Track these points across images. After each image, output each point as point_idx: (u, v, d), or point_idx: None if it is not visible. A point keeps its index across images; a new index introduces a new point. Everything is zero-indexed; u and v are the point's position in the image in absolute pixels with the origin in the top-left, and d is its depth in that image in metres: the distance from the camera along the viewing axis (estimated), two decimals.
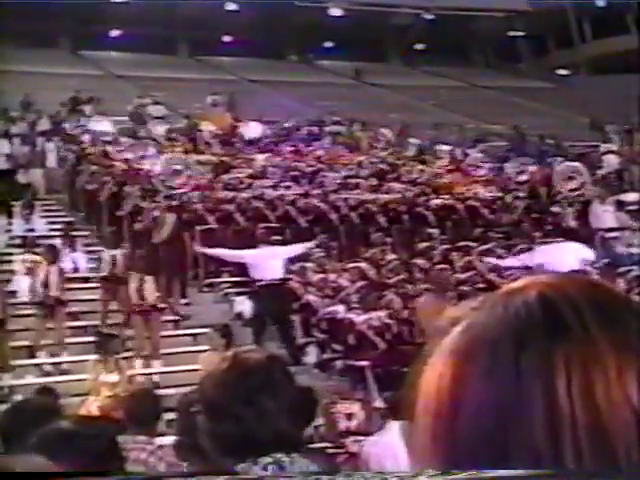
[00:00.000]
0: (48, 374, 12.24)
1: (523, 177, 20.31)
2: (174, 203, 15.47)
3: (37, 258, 13.31)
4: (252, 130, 22.54)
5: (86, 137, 19.98)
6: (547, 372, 0.70)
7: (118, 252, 14.17)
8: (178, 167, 17.87)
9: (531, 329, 0.72)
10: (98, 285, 13.71)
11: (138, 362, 12.44)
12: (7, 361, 11.98)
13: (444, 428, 0.73)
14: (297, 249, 13.85)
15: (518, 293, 0.76)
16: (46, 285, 12.60)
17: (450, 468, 0.72)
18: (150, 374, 12.31)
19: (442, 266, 14.72)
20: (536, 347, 0.71)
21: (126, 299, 12.94)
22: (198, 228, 15.17)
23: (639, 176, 20.50)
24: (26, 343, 12.69)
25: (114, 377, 10.57)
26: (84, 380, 10.70)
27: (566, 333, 0.72)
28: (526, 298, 0.75)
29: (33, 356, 12.63)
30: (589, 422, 0.69)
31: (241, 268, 13.93)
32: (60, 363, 12.56)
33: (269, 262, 13.13)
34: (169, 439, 4.46)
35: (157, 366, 12.52)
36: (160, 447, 4.76)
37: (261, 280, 13.05)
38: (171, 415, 5.01)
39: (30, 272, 13.18)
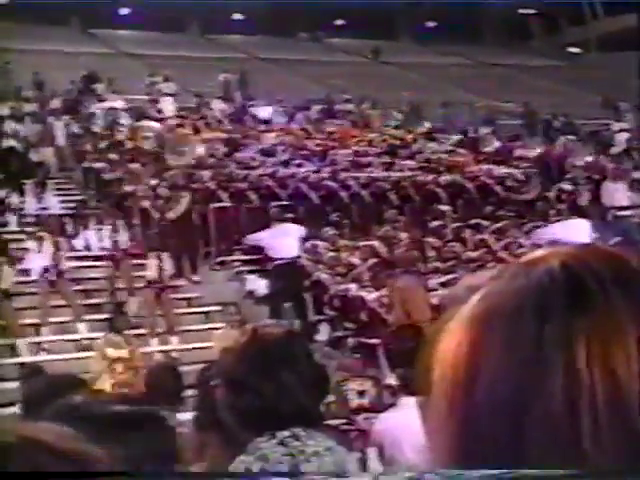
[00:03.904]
0: (60, 351, 12.31)
1: (535, 155, 20.23)
2: (182, 183, 15.48)
3: (44, 234, 13.36)
4: (262, 108, 22.50)
5: (97, 115, 19.98)
6: (568, 342, 0.70)
7: (128, 229, 14.23)
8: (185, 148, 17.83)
9: (554, 298, 0.72)
10: (109, 263, 13.76)
11: (153, 340, 12.51)
12: (13, 334, 12.08)
13: (461, 395, 0.73)
14: (302, 231, 13.89)
15: (540, 262, 0.75)
16: (53, 256, 12.76)
17: (466, 436, 0.72)
18: (166, 351, 12.37)
19: (453, 243, 14.75)
20: (558, 316, 0.71)
21: (133, 276, 13.03)
22: (211, 205, 15.20)
23: None
24: (38, 320, 12.77)
25: (124, 353, 10.62)
26: (94, 357, 10.76)
27: (589, 303, 0.71)
28: (549, 267, 0.74)
29: (44, 334, 12.69)
30: (608, 393, 0.68)
31: (253, 246, 13.98)
32: (72, 340, 12.62)
33: (284, 240, 13.19)
34: (189, 414, 4.48)
35: (175, 343, 12.59)
36: (180, 423, 4.77)
37: (278, 259, 13.12)
38: (188, 391, 5.04)
39: (40, 249, 13.25)
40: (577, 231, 13.85)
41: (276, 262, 13.19)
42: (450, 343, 0.75)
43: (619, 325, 0.70)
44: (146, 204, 15.02)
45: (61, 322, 12.84)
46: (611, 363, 0.69)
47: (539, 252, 0.78)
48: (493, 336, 0.73)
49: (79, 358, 11.46)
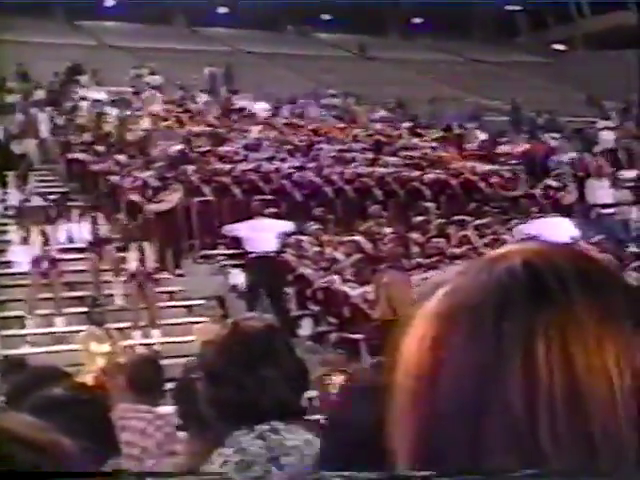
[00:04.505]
0: (42, 344, 12.26)
1: (519, 152, 20.29)
2: (170, 174, 15.46)
3: (27, 226, 13.32)
4: (248, 102, 22.47)
5: (81, 107, 19.91)
6: (527, 338, 0.70)
7: (111, 222, 14.20)
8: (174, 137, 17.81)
9: (514, 295, 0.72)
10: (91, 255, 13.71)
11: (136, 332, 12.48)
12: None
13: (424, 390, 0.74)
14: (290, 226, 13.91)
15: (503, 259, 0.76)
16: (35, 247, 12.74)
17: (428, 431, 0.73)
18: (147, 344, 12.34)
19: (437, 239, 14.77)
20: (518, 313, 0.71)
21: (118, 268, 13.00)
22: (194, 199, 15.19)
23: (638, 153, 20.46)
24: (21, 313, 12.71)
25: (106, 347, 10.61)
26: (78, 350, 10.74)
27: (548, 300, 0.72)
28: (510, 264, 0.75)
29: (27, 326, 12.64)
30: (566, 389, 0.69)
31: (237, 240, 13.97)
32: (55, 333, 12.58)
33: (262, 234, 13.18)
34: (169, 408, 4.47)
35: (156, 336, 12.56)
36: (159, 416, 4.77)
37: (253, 252, 13.11)
38: (169, 385, 5.01)
39: (24, 241, 13.20)
40: (557, 229, 13.90)
41: (251, 255, 13.18)
42: (414, 339, 0.76)
43: (579, 322, 0.71)
44: (132, 196, 14.99)
45: (43, 315, 12.79)
46: (570, 359, 0.70)
47: (504, 249, 0.78)
48: (455, 332, 0.73)
49: (60, 351, 11.42)
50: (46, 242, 13.08)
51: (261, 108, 22.07)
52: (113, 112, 19.68)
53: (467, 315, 0.73)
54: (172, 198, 14.58)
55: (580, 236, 14.42)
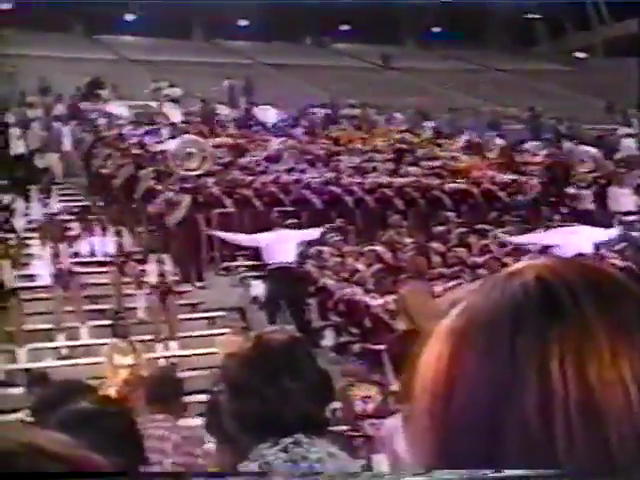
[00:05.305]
0: (65, 357, 12.31)
1: (539, 160, 20.19)
2: (189, 185, 15.48)
3: (49, 240, 13.39)
4: (267, 113, 22.50)
5: (102, 121, 19.99)
6: (542, 353, 0.71)
7: (132, 234, 14.24)
8: (194, 150, 17.83)
9: (527, 311, 0.74)
10: (113, 269, 13.75)
11: (157, 345, 12.50)
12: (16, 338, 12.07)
13: (441, 406, 0.75)
14: (311, 233, 13.89)
15: (516, 276, 0.77)
16: (57, 261, 12.79)
17: (446, 445, 0.74)
18: (167, 357, 12.35)
19: (458, 249, 14.72)
20: (532, 328, 0.73)
21: (140, 281, 13.03)
22: (215, 211, 15.22)
23: None
24: (44, 326, 12.77)
25: (129, 360, 10.63)
26: (101, 363, 10.77)
27: (561, 315, 0.73)
28: (523, 280, 0.76)
29: (51, 339, 12.70)
30: (582, 403, 0.70)
31: (257, 252, 13.98)
32: (77, 346, 12.62)
33: (282, 245, 13.17)
34: (188, 420, 4.48)
35: (174, 348, 12.56)
36: (178, 424, 4.77)
37: (273, 263, 13.10)
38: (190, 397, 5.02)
39: (45, 254, 13.28)
40: (580, 238, 13.80)
41: (270, 267, 13.18)
42: (430, 356, 0.77)
43: (592, 335, 0.72)
44: (152, 209, 15.04)
45: (67, 328, 12.85)
46: (584, 372, 0.71)
47: (518, 264, 0.80)
48: (470, 349, 0.75)
49: (82, 364, 11.46)
50: (66, 255, 13.14)
51: (271, 118, 22.06)
52: (134, 125, 19.77)
53: (482, 332, 0.75)
54: (179, 211, 14.59)
55: (602, 244, 14.32)
